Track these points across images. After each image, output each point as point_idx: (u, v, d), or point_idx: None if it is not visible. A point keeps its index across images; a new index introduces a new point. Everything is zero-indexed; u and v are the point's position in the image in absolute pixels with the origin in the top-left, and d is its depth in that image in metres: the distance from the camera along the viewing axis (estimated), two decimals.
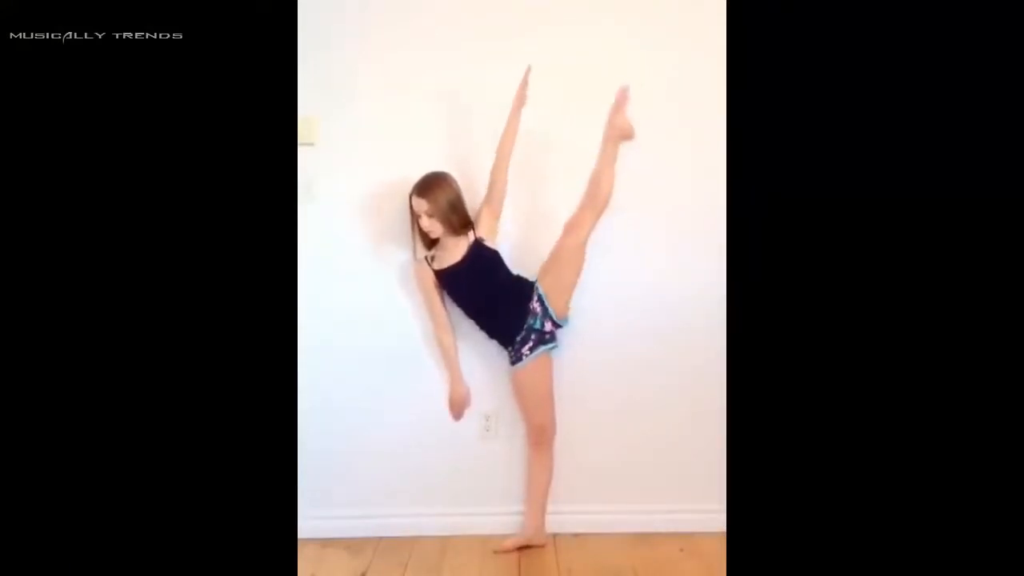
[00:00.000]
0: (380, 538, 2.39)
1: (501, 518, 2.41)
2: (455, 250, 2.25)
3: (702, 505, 2.39)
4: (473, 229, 2.25)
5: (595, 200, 2.22)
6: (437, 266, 2.28)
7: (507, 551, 2.30)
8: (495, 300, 2.26)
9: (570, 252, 2.24)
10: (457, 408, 2.38)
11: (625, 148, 2.24)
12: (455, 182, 2.23)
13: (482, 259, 2.25)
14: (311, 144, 2.30)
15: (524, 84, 2.19)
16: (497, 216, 2.29)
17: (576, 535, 2.40)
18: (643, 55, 2.35)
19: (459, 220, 2.22)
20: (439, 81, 2.34)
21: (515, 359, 2.28)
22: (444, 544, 2.35)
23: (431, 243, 2.28)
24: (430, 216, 2.19)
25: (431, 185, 2.20)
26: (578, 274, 2.27)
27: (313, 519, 2.35)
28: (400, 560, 2.26)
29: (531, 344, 2.26)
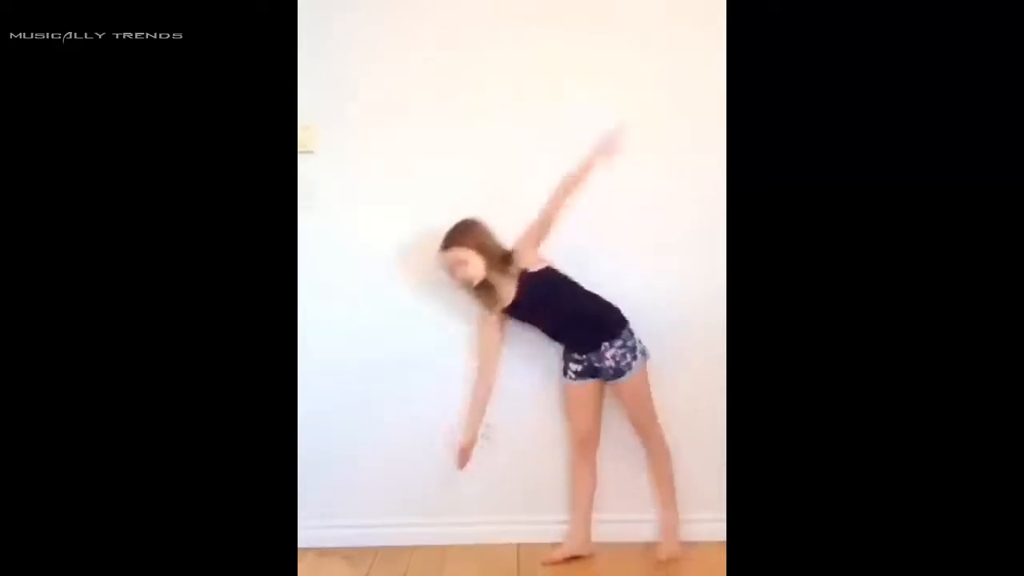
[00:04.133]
0: (379, 547, 2.37)
1: (501, 527, 2.40)
2: (505, 289, 2.21)
3: (703, 514, 2.37)
4: (514, 262, 2.20)
5: None
6: (496, 310, 2.24)
7: (555, 562, 2.28)
8: (568, 325, 2.24)
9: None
10: (464, 457, 2.34)
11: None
12: (481, 222, 2.21)
13: (538, 289, 2.20)
14: (311, 152, 2.31)
15: (618, 136, 2.18)
16: (538, 245, 2.23)
17: None
18: (639, 59, 2.36)
19: (500, 255, 2.18)
20: (440, 87, 2.34)
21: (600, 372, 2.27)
22: (443, 554, 2.33)
23: (478, 291, 2.22)
24: (464, 263, 2.14)
25: (460, 232, 2.17)
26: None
27: (312, 528, 2.33)
28: (399, 570, 2.25)
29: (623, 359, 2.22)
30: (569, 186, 2.21)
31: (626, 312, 2.28)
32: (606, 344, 2.20)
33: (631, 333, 2.24)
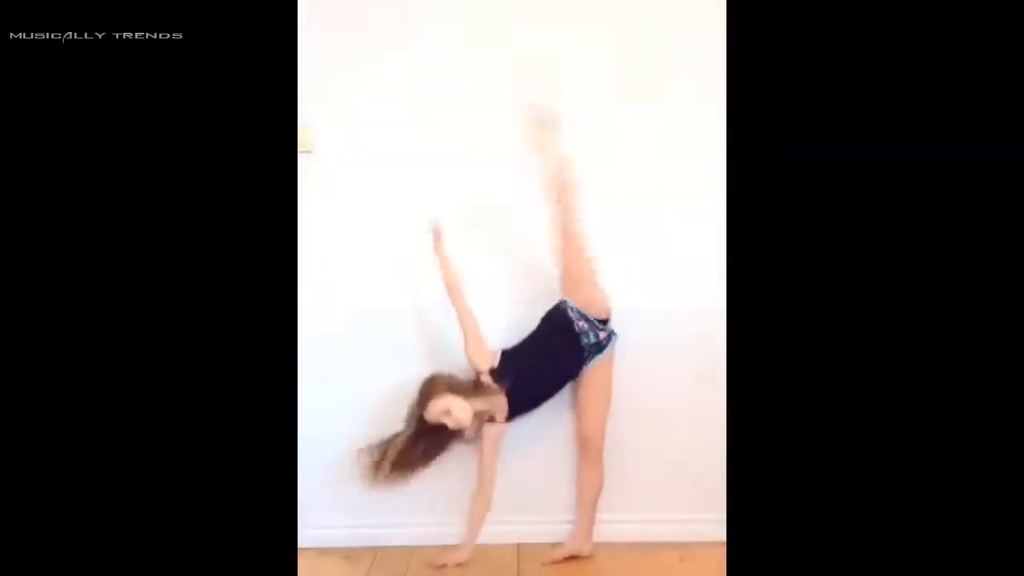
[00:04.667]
0: (378, 547, 2.37)
1: (500, 528, 2.39)
2: (496, 400, 2.21)
3: (702, 515, 2.37)
4: (480, 376, 2.21)
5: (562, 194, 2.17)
6: (500, 419, 2.24)
7: (555, 562, 2.29)
8: (556, 368, 2.25)
9: (573, 250, 2.20)
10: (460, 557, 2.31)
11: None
12: (438, 372, 2.23)
13: (510, 369, 2.21)
14: (309, 152, 2.31)
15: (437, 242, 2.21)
16: (483, 343, 2.22)
17: None
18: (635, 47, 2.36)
19: (471, 382, 2.21)
20: (440, 87, 2.34)
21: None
22: (443, 554, 2.32)
23: (479, 419, 2.23)
24: (448, 411, 2.14)
25: (427, 388, 2.19)
26: (591, 262, 2.23)
27: (312, 528, 2.34)
28: (398, 570, 2.25)
29: (588, 356, 2.24)
30: (454, 291, 2.21)
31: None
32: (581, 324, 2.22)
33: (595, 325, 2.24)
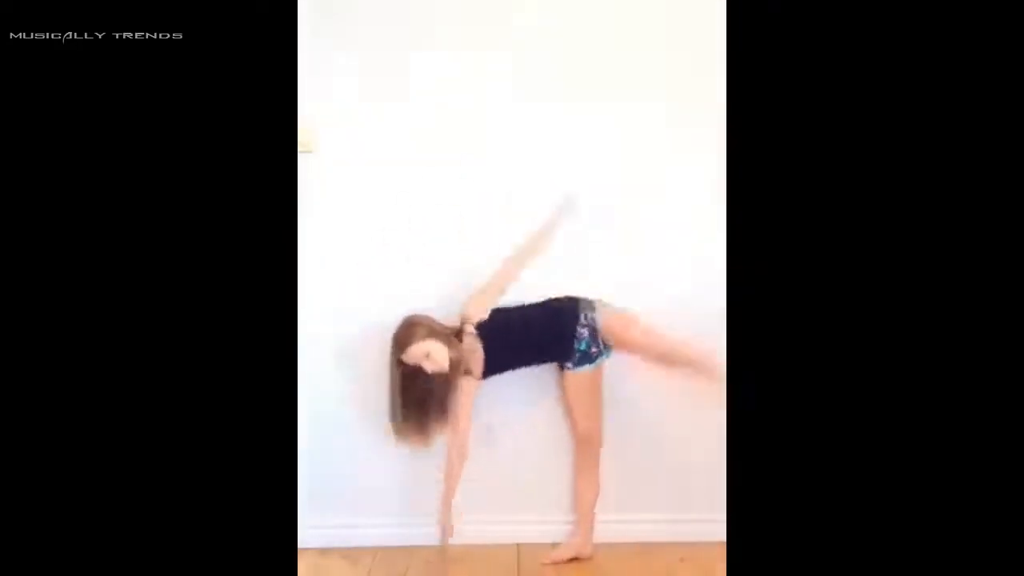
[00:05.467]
0: (379, 547, 2.37)
1: (501, 528, 2.40)
2: (475, 354, 2.21)
3: (703, 515, 2.37)
4: (465, 325, 2.22)
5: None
6: (477, 374, 2.24)
7: (556, 563, 2.29)
8: (539, 350, 2.26)
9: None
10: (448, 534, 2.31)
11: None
12: (418, 315, 2.23)
13: (496, 327, 2.22)
14: (310, 152, 2.30)
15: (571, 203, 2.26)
16: (493, 302, 2.25)
17: None
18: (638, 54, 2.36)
19: (453, 331, 2.21)
20: (441, 87, 2.34)
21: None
22: (443, 554, 2.32)
23: (455, 371, 2.21)
24: (427, 354, 2.14)
25: (405, 332, 2.18)
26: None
27: (312, 528, 2.33)
28: (399, 570, 2.25)
29: (576, 360, 2.24)
30: (524, 256, 2.25)
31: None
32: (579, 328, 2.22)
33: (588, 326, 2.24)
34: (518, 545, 2.38)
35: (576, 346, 2.21)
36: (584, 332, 2.21)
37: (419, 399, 2.19)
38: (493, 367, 2.24)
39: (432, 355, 2.14)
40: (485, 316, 2.23)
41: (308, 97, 2.17)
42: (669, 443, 2.41)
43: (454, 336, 2.20)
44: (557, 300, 2.28)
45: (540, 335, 2.24)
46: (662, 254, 2.39)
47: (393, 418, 2.23)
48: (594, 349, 2.22)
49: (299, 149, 2.25)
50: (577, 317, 2.22)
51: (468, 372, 2.23)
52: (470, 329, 2.21)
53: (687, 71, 2.34)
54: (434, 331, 2.18)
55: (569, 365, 2.23)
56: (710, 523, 2.31)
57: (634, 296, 2.33)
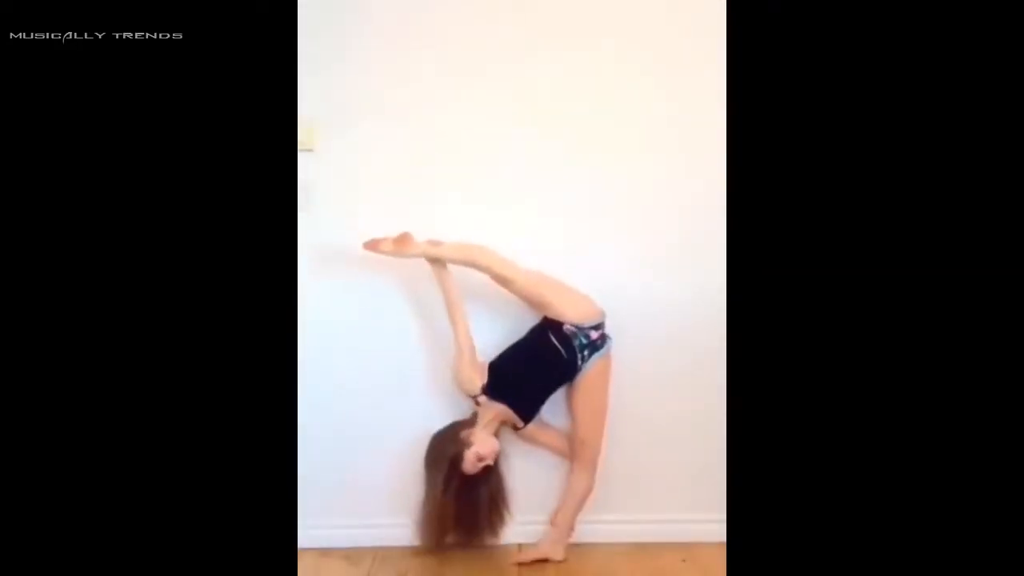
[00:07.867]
0: (379, 548, 2.37)
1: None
2: (501, 414, 2.24)
3: (703, 515, 2.37)
4: (476, 398, 2.24)
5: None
6: (521, 425, 2.27)
7: (524, 563, 2.28)
8: (550, 370, 2.26)
9: (521, 287, 2.21)
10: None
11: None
12: (443, 433, 2.26)
13: (506, 384, 2.23)
14: (310, 150, 2.30)
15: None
16: (476, 359, 2.25)
17: (576, 545, 2.37)
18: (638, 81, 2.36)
19: (473, 416, 2.24)
20: (441, 86, 2.34)
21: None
22: (443, 554, 2.32)
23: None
24: (481, 455, 2.17)
25: (441, 453, 2.21)
26: (547, 282, 2.24)
27: (312, 528, 2.33)
28: (399, 571, 2.24)
29: (584, 356, 2.23)
30: (454, 309, 2.24)
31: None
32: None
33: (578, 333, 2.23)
34: (518, 545, 2.38)
35: (576, 342, 2.21)
36: (572, 328, 2.21)
37: (472, 504, 2.23)
38: (528, 409, 2.26)
39: (482, 451, 2.18)
40: (485, 377, 2.23)
41: (308, 97, 2.17)
42: (669, 443, 2.41)
43: (477, 416, 2.23)
44: (539, 324, 2.27)
45: (547, 359, 2.23)
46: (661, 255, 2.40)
47: (438, 545, 2.27)
48: (594, 334, 2.22)
49: (299, 149, 2.25)
50: (556, 322, 2.22)
51: (515, 428, 2.27)
52: (481, 399, 2.23)
53: (687, 70, 2.34)
54: (465, 430, 2.21)
55: (579, 363, 2.23)
56: (710, 523, 2.32)
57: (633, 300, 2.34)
